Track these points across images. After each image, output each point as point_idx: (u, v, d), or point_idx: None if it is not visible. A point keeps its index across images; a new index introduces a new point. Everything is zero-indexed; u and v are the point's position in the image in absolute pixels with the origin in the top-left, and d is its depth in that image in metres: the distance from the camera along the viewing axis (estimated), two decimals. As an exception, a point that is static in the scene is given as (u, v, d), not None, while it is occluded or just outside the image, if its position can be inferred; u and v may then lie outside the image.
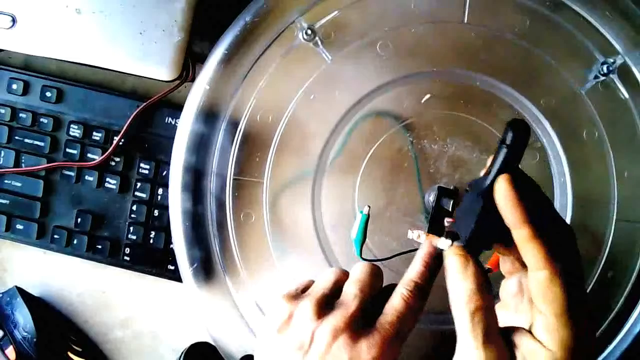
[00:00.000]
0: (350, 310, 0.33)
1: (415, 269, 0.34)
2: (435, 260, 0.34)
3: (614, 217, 0.48)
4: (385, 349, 0.31)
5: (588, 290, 0.48)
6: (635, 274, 0.48)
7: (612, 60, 0.48)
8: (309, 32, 0.48)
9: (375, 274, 0.35)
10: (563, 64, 0.48)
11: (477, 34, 0.48)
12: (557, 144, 0.48)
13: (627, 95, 0.48)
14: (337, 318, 0.32)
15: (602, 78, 0.48)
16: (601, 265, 0.48)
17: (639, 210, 0.49)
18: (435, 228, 0.42)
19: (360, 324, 0.32)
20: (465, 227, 0.32)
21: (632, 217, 0.48)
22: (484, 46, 0.48)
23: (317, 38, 0.48)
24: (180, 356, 0.50)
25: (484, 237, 0.32)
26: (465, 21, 0.48)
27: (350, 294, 0.34)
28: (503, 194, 0.29)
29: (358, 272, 0.35)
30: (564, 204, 0.48)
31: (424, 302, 0.34)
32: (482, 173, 0.33)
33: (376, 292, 0.35)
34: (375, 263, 0.36)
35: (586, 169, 0.49)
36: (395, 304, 0.33)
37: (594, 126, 0.48)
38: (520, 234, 0.29)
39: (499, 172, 0.30)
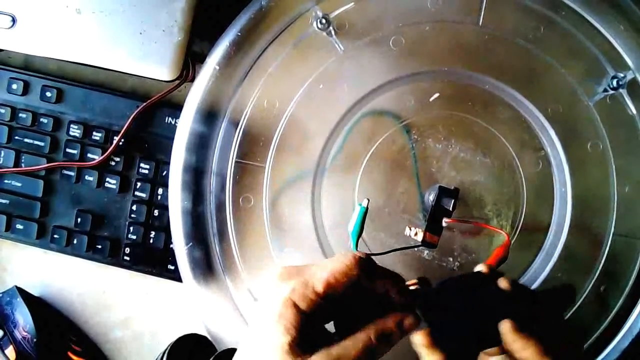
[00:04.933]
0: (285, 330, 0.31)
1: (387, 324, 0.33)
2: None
3: (612, 230, 0.48)
4: None
5: (580, 303, 0.48)
6: (634, 275, 0.48)
7: (622, 75, 0.47)
8: (324, 21, 0.47)
9: (347, 274, 0.32)
10: (573, 74, 0.48)
11: (491, 37, 0.48)
12: (560, 153, 0.48)
13: (634, 111, 0.48)
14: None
15: (611, 92, 0.48)
16: (595, 277, 0.48)
17: (637, 225, 0.48)
18: (433, 227, 0.43)
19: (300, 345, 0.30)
20: (456, 321, 0.34)
21: (629, 233, 0.48)
22: (496, 50, 0.48)
23: (330, 28, 0.48)
24: (166, 350, 0.50)
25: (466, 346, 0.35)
26: (480, 24, 0.48)
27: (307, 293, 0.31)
28: (512, 337, 0.33)
29: (334, 265, 0.33)
30: (563, 213, 0.48)
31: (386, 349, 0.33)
32: (501, 284, 0.35)
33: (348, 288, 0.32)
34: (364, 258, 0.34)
35: (588, 180, 0.48)
36: (353, 347, 0.31)
37: (599, 139, 0.48)
38: None
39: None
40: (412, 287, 0.36)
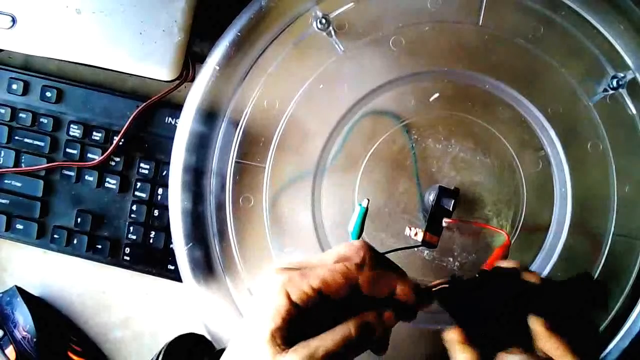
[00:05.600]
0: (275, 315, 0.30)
1: (373, 315, 0.33)
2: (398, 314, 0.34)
3: (612, 230, 0.48)
4: None
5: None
6: (634, 275, 0.48)
7: (622, 75, 0.47)
8: (323, 21, 0.47)
9: (344, 275, 0.32)
10: (573, 73, 0.48)
11: (490, 37, 0.48)
12: (560, 153, 0.48)
13: (634, 111, 0.48)
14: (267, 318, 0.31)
15: (611, 92, 0.48)
16: (595, 276, 0.48)
17: (637, 225, 0.48)
18: (433, 227, 0.43)
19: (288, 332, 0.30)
20: (484, 316, 0.35)
21: (630, 233, 0.48)
22: (496, 50, 0.48)
23: (330, 28, 0.48)
24: (162, 350, 0.50)
25: (501, 338, 0.35)
26: (480, 24, 0.48)
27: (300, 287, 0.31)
28: (545, 335, 0.33)
29: (328, 266, 0.32)
30: (563, 213, 0.48)
31: (366, 346, 0.32)
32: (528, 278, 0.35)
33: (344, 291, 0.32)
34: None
35: (588, 180, 0.49)
36: (332, 340, 0.31)
37: (599, 139, 0.48)
38: None
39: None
40: (437, 287, 0.36)
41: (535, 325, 0.33)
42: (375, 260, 0.33)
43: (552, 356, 0.33)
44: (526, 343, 0.35)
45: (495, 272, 0.37)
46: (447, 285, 0.35)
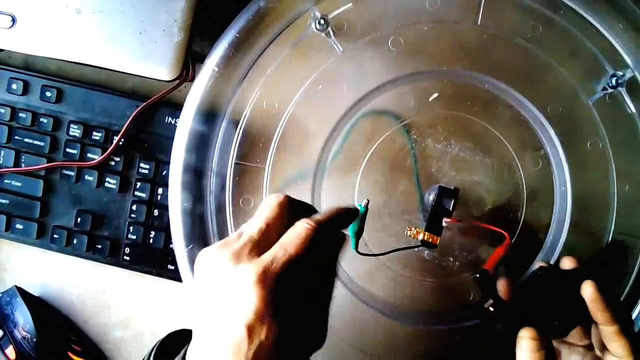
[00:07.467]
0: (239, 243, 0.32)
1: (327, 213, 0.34)
2: (348, 213, 0.36)
3: (612, 229, 0.48)
4: (263, 278, 0.29)
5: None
6: (634, 275, 0.48)
7: (621, 74, 0.48)
8: (322, 22, 0.47)
9: (279, 205, 0.34)
10: (572, 72, 0.48)
11: (489, 36, 0.48)
12: (560, 152, 0.48)
13: (634, 110, 0.48)
14: (226, 249, 0.32)
15: (610, 90, 0.48)
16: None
17: (637, 224, 0.48)
18: (433, 227, 0.43)
19: (247, 252, 0.31)
20: (542, 311, 0.39)
21: (630, 231, 0.48)
22: (495, 49, 0.48)
23: (329, 29, 0.48)
24: (154, 347, 0.49)
25: (561, 326, 0.39)
26: (479, 23, 0.48)
27: (250, 230, 0.33)
28: (594, 298, 0.37)
29: (264, 206, 0.34)
30: (563, 212, 0.48)
31: (319, 246, 0.32)
32: (565, 264, 0.41)
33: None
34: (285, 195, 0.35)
35: (588, 179, 0.49)
36: (286, 236, 0.32)
37: (599, 138, 0.48)
38: (610, 329, 0.37)
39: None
40: (490, 308, 0.39)
41: (587, 290, 0.37)
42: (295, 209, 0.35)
43: (598, 319, 0.37)
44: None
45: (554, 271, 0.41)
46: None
